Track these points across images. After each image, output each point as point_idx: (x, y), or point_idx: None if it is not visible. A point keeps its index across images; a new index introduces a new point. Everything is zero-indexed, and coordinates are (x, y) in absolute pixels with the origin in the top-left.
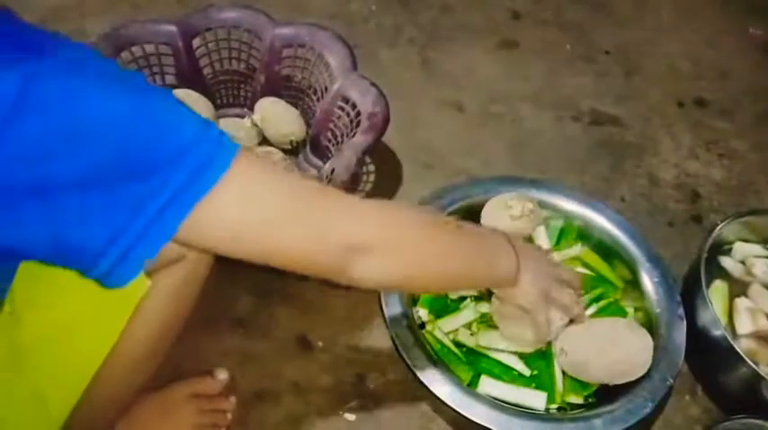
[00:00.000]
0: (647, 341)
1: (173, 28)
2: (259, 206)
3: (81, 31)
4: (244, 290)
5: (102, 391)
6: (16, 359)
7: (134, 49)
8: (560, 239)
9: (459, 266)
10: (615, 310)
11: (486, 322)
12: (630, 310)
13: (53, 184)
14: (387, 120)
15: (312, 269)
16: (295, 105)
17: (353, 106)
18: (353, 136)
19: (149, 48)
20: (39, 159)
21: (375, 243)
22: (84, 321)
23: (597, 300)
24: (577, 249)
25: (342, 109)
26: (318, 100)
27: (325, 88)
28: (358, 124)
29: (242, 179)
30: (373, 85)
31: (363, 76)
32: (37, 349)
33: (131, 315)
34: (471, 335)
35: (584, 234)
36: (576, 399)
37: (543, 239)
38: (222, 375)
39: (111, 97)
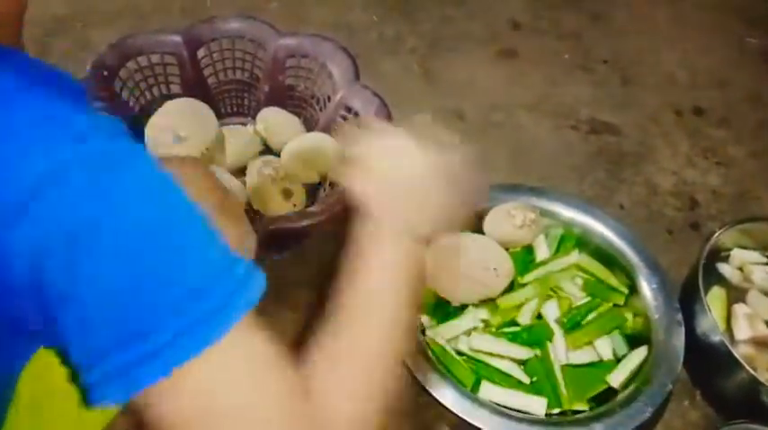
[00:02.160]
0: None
1: (178, 38)
2: (244, 390)
3: (85, 42)
4: None
5: None
6: (36, 409)
7: (140, 59)
8: (560, 247)
9: (400, 339)
10: (614, 316)
11: (484, 329)
12: (629, 316)
13: (47, 281)
14: None
15: None
16: (298, 115)
17: (356, 115)
18: None
19: (155, 58)
20: (42, 251)
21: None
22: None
23: (595, 307)
24: (575, 257)
25: (344, 118)
26: (321, 109)
27: (328, 98)
28: None
29: (237, 349)
30: (376, 94)
31: (366, 86)
32: (50, 400)
33: None
34: (467, 336)
35: (584, 241)
36: (580, 406)
37: (543, 248)
38: None
39: (141, 209)
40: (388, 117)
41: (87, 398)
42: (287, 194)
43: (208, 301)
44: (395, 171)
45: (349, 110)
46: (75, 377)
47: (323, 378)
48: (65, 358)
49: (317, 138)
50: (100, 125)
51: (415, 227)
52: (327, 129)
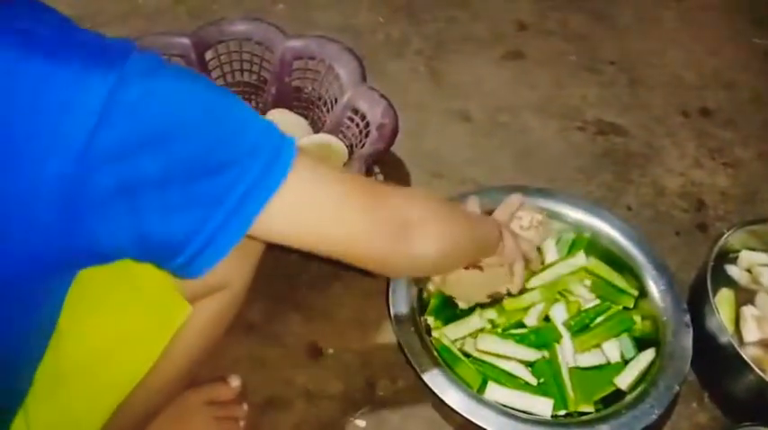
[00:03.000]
0: None
1: (186, 40)
2: (322, 199)
3: None
4: (256, 297)
5: (133, 411)
6: (56, 379)
7: None
8: (570, 252)
9: (474, 240)
10: (623, 319)
11: (491, 330)
12: (637, 319)
13: (139, 182)
14: (395, 131)
15: (374, 255)
16: (305, 116)
17: (363, 117)
18: (363, 146)
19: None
20: (126, 159)
21: (420, 221)
22: (123, 346)
23: (604, 310)
24: (581, 259)
25: (351, 119)
26: (328, 111)
27: (335, 99)
28: (367, 134)
29: (304, 175)
30: (382, 96)
31: (373, 88)
32: (75, 371)
33: (171, 341)
34: (474, 338)
35: (592, 244)
36: (587, 408)
37: (552, 252)
38: (235, 382)
39: (190, 98)
40: (395, 118)
41: (192, 269)
42: None
43: (271, 141)
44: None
45: (356, 111)
46: (168, 261)
47: (414, 195)
48: (150, 256)
49: (324, 139)
50: (122, 44)
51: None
52: (335, 131)
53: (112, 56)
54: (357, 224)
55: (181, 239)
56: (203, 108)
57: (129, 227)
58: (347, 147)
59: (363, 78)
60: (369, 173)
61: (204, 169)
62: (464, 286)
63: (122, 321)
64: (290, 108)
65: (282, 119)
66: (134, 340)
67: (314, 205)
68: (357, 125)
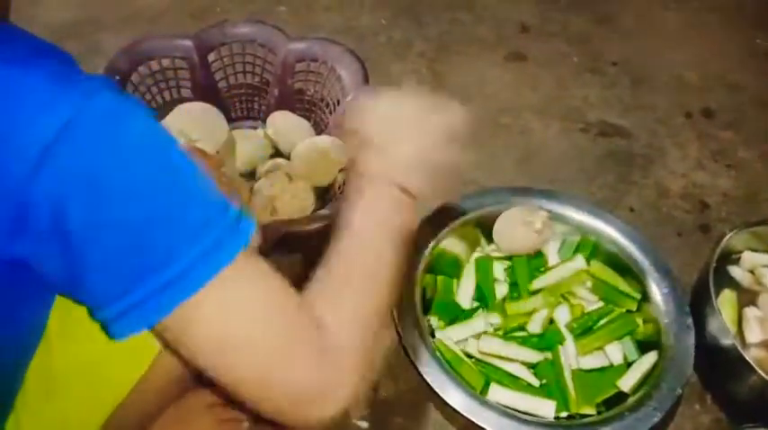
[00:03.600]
0: None
1: (189, 43)
2: (246, 322)
3: (96, 47)
4: None
5: (131, 413)
6: (48, 384)
7: (151, 63)
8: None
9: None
10: (626, 322)
11: (494, 332)
12: (640, 321)
13: (69, 224)
14: None
15: (263, 404)
16: (308, 118)
17: None
18: None
19: (166, 62)
20: (63, 195)
21: (330, 393)
22: (116, 352)
23: (607, 313)
24: (580, 262)
25: None
26: (331, 113)
27: (338, 101)
28: None
29: (239, 280)
30: None
31: (375, 90)
32: (68, 375)
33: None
34: (477, 339)
35: (596, 247)
36: (589, 410)
37: (554, 255)
38: None
39: (144, 155)
40: None
41: (109, 332)
42: (297, 197)
43: (214, 231)
44: (393, 129)
45: None
46: (92, 314)
47: (322, 306)
48: (80, 300)
49: (327, 142)
50: (100, 84)
51: (405, 181)
52: (337, 133)
53: (79, 85)
54: (261, 371)
55: (97, 300)
56: (153, 177)
57: (61, 265)
58: None
59: (366, 80)
60: None
61: (136, 240)
62: None
63: None
64: (293, 110)
65: (285, 121)
66: (126, 346)
67: (238, 324)
68: None
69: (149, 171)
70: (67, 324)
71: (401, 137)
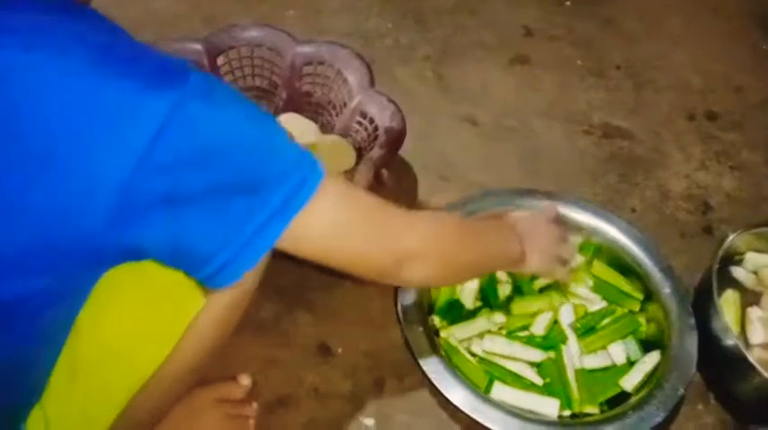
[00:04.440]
0: None
1: (198, 46)
2: (339, 223)
3: None
4: (266, 297)
5: (144, 405)
6: (72, 374)
7: None
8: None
9: (483, 262)
10: (629, 322)
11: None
12: (643, 321)
13: (182, 194)
14: (403, 135)
15: (373, 273)
16: (315, 120)
17: (371, 121)
18: (371, 150)
19: None
20: (175, 172)
21: (420, 253)
22: (138, 340)
23: (610, 313)
24: (579, 258)
25: (360, 123)
26: (337, 115)
27: (344, 104)
28: (375, 138)
29: (325, 201)
30: (390, 100)
31: (381, 92)
32: (90, 366)
33: (183, 333)
34: (480, 338)
35: (599, 248)
36: (592, 409)
37: None
38: (246, 381)
39: (238, 122)
40: (403, 122)
41: (222, 277)
42: None
43: (302, 167)
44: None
45: (364, 115)
46: (197, 270)
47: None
48: (184, 257)
49: (337, 139)
50: (184, 64)
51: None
52: (344, 135)
53: (175, 75)
54: (367, 251)
55: (210, 251)
56: (249, 135)
57: (166, 233)
58: (355, 150)
59: (372, 83)
60: (378, 176)
61: (241, 189)
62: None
63: (136, 314)
64: (301, 112)
65: (293, 122)
66: (148, 332)
67: (333, 227)
68: (366, 129)
69: (245, 134)
70: (93, 310)
71: (536, 232)
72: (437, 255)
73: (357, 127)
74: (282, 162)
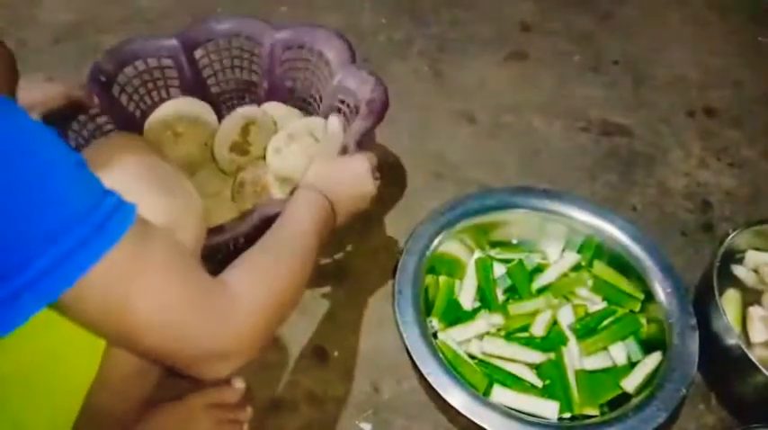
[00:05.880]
0: None
1: (174, 42)
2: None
3: (96, 48)
4: None
5: (101, 410)
6: (1, 386)
7: (137, 63)
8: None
9: (307, 262)
10: (629, 323)
11: (496, 333)
12: (644, 321)
13: None
14: (385, 106)
15: (171, 364)
16: (299, 107)
17: (353, 96)
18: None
19: (152, 62)
20: None
21: (231, 352)
22: (68, 348)
23: (610, 314)
24: (573, 257)
25: (343, 101)
26: (321, 99)
27: (327, 85)
28: (358, 112)
29: (122, 265)
30: (372, 73)
31: (362, 67)
32: (19, 378)
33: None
34: (479, 340)
35: (599, 247)
36: (593, 411)
37: (555, 256)
38: (239, 385)
39: (19, 147)
40: (384, 93)
41: None
42: (285, 182)
43: (87, 223)
44: (337, 169)
45: (346, 92)
46: None
47: (229, 270)
48: None
49: (311, 125)
50: None
51: (334, 199)
52: (327, 116)
53: None
54: (162, 341)
55: None
56: (27, 166)
57: None
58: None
59: (353, 59)
60: (359, 148)
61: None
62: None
63: (62, 323)
64: (284, 101)
65: (276, 111)
66: (77, 341)
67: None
68: (348, 106)
69: (20, 166)
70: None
71: (339, 182)
72: (251, 344)
73: (340, 105)
74: (63, 209)
